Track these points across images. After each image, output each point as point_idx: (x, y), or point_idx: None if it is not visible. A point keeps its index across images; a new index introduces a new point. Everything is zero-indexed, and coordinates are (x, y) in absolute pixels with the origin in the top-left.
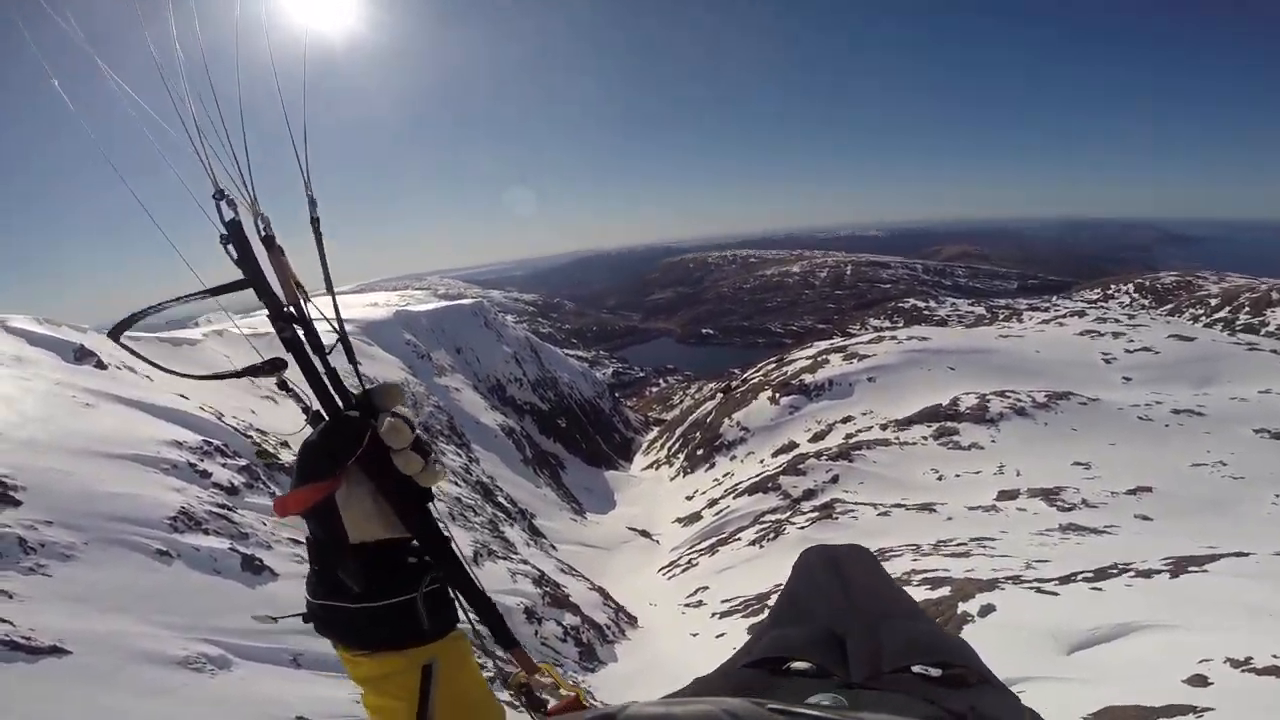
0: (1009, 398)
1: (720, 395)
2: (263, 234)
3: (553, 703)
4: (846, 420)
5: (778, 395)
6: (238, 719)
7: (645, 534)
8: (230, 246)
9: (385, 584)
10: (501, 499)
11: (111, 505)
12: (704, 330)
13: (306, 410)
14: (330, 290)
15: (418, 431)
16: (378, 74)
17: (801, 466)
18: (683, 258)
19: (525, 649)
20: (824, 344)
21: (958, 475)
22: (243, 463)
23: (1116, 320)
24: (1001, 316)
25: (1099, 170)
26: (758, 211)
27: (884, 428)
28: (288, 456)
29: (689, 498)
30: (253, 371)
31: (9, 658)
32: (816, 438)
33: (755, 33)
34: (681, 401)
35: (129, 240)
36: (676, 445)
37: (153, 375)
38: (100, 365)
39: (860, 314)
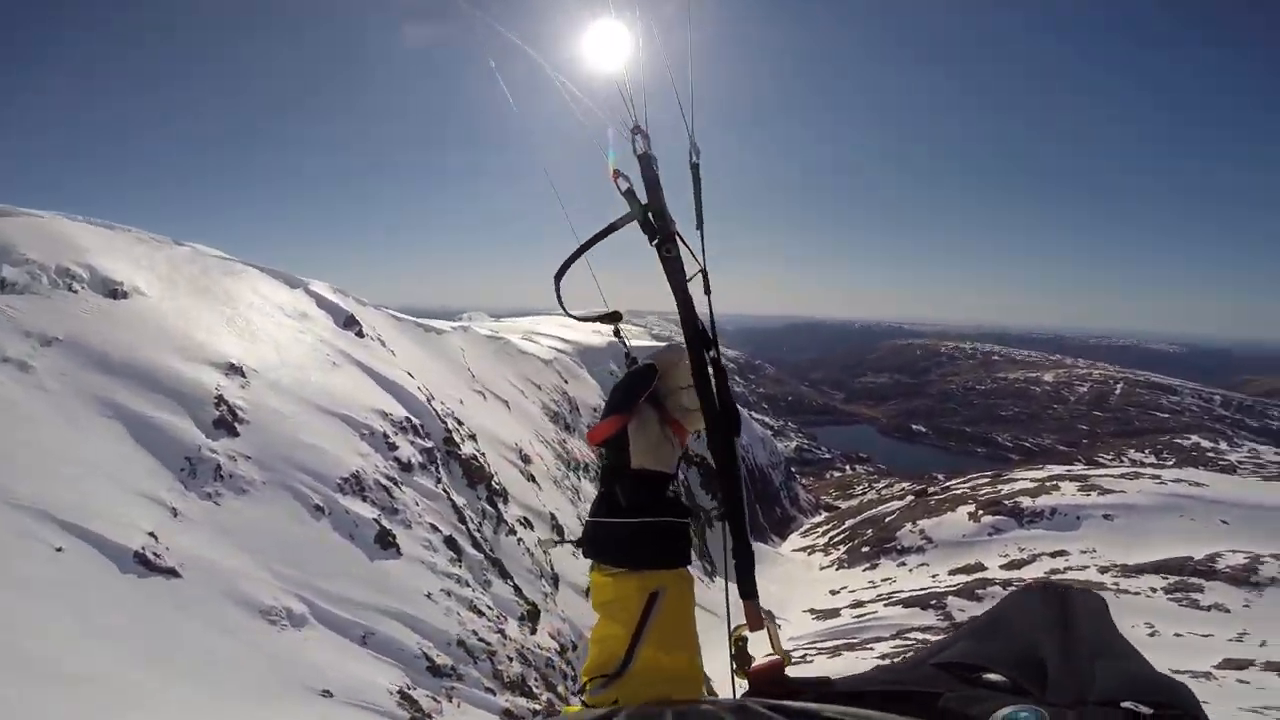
0: None
1: (912, 497)
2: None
3: (758, 661)
4: (1058, 554)
5: (981, 512)
6: (269, 675)
7: (770, 615)
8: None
9: (647, 505)
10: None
11: (303, 455)
12: (914, 426)
13: (628, 356)
14: (700, 226)
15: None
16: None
17: (980, 592)
18: (911, 342)
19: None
20: (1060, 469)
21: (1178, 635)
22: (429, 444)
23: None
24: None
25: None
26: (1018, 301)
27: (1104, 570)
28: (469, 449)
29: (834, 592)
30: (599, 319)
31: (131, 568)
32: (1012, 565)
33: (1050, 82)
34: (864, 494)
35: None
36: (841, 536)
37: (396, 350)
38: (360, 334)
39: (1119, 442)
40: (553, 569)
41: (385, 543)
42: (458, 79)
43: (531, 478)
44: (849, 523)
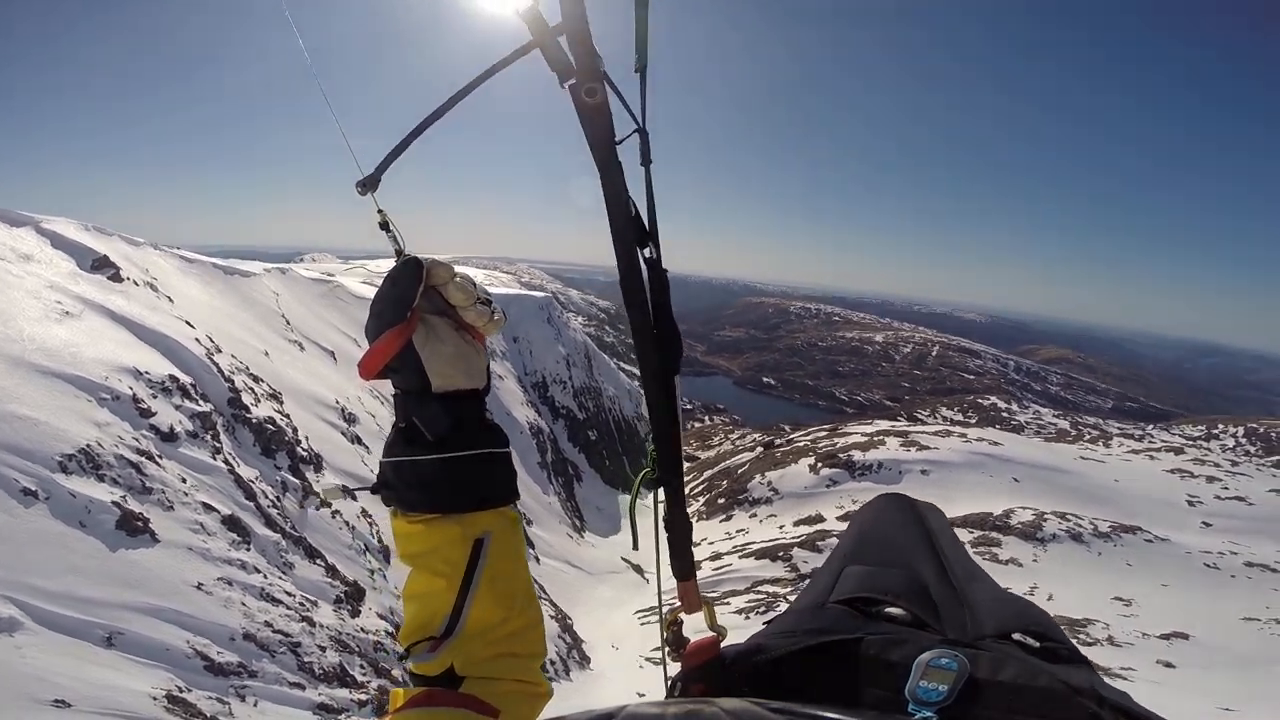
0: (1069, 520)
1: (761, 449)
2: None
3: (695, 639)
4: (859, 510)
5: (820, 465)
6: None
7: (639, 570)
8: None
9: (459, 435)
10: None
11: (7, 428)
12: (765, 379)
13: (399, 254)
14: (642, 70)
15: (480, 295)
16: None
17: (820, 544)
18: (763, 299)
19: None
20: (886, 424)
21: None
22: (204, 408)
23: (1216, 464)
24: (1087, 436)
25: (1250, 286)
26: (855, 269)
27: None
28: (265, 410)
29: (694, 544)
30: (388, 231)
31: None
32: (847, 516)
33: (884, 70)
34: (720, 444)
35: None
36: (701, 488)
37: (176, 296)
38: (116, 277)
39: (934, 400)
40: (381, 540)
41: (132, 529)
42: None
43: (357, 439)
44: (707, 474)
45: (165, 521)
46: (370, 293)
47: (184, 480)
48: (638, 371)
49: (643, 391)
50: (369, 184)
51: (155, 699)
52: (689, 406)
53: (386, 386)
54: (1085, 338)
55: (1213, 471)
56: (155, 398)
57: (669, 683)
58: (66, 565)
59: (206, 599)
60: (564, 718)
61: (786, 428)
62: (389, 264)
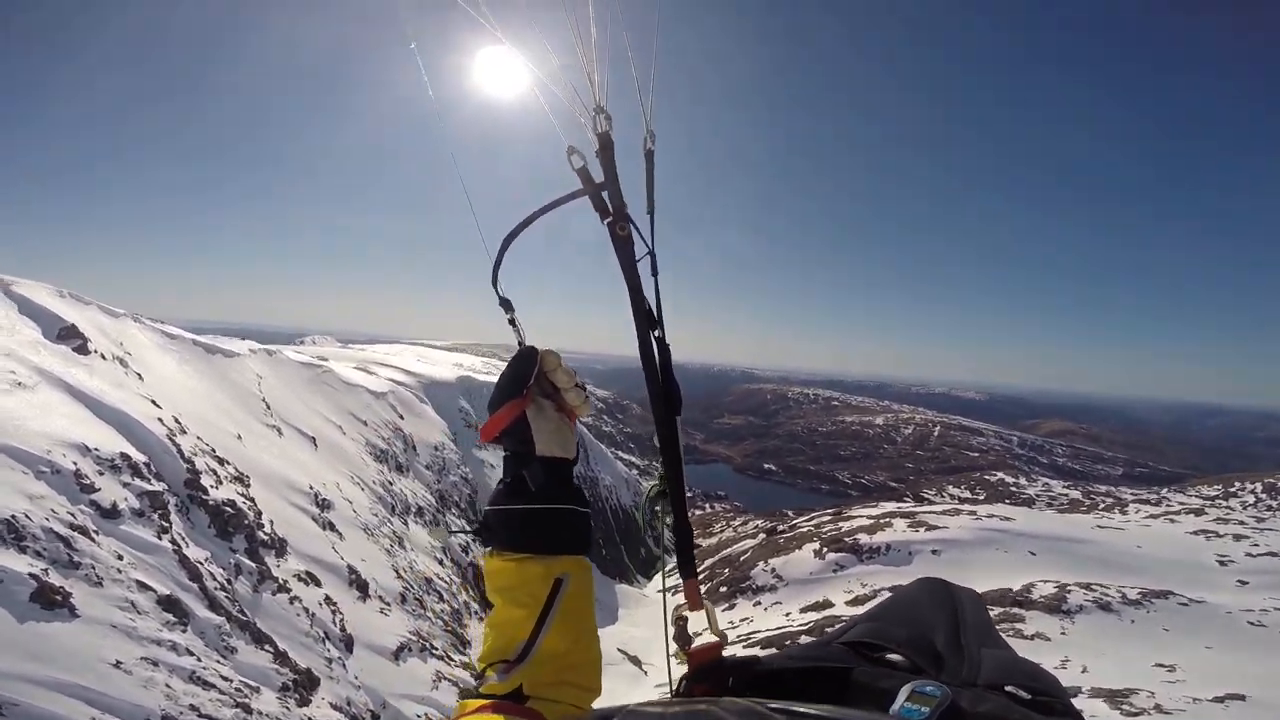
0: (1094, 590)
1: (763, 536)
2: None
3: (698, 642)
4: (896, 588)
5: (825, 549)
6: None
7: (636, 661)
8: (596, 154)
9: (556, 492)
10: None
11: None
12: (766, 465)
13: (520, 344)
14: (651, 211)
15: (577, 380)
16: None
17: (830, 630)
18: (761, 386)
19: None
20: (892, 505)
21: None
22: (156, 488)
23: (1241, 522)
24: (1101, 505)
25: (1244, 349)
26: (851, 352)
27: None
28: (225, 493)
29: (697, 634)
30: (503, 302)
31: None
32: (856, 601)
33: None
34: (721, 531)
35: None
36: (701, 576)
37: (147, 373)
38: (82, 349)
39: (939, 479)
40: (343, 629)
41: (49, 602)
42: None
43: (330, 525)
44: (708, 562)
45: (90, 597)
46: (360, 379)
47: (120, 557)
48: (634, 459)
49: (642, 467)
50: (506, 306)
51: None
52: (690, 494)
53: (368, 474)
54: (1086, 408)
55: (1238, 529)
56: (101, 474)
57: (674, 683)
58: None
59: (124, 678)
60: (564, 718)
61: (789, 513)
62: (403, 350)
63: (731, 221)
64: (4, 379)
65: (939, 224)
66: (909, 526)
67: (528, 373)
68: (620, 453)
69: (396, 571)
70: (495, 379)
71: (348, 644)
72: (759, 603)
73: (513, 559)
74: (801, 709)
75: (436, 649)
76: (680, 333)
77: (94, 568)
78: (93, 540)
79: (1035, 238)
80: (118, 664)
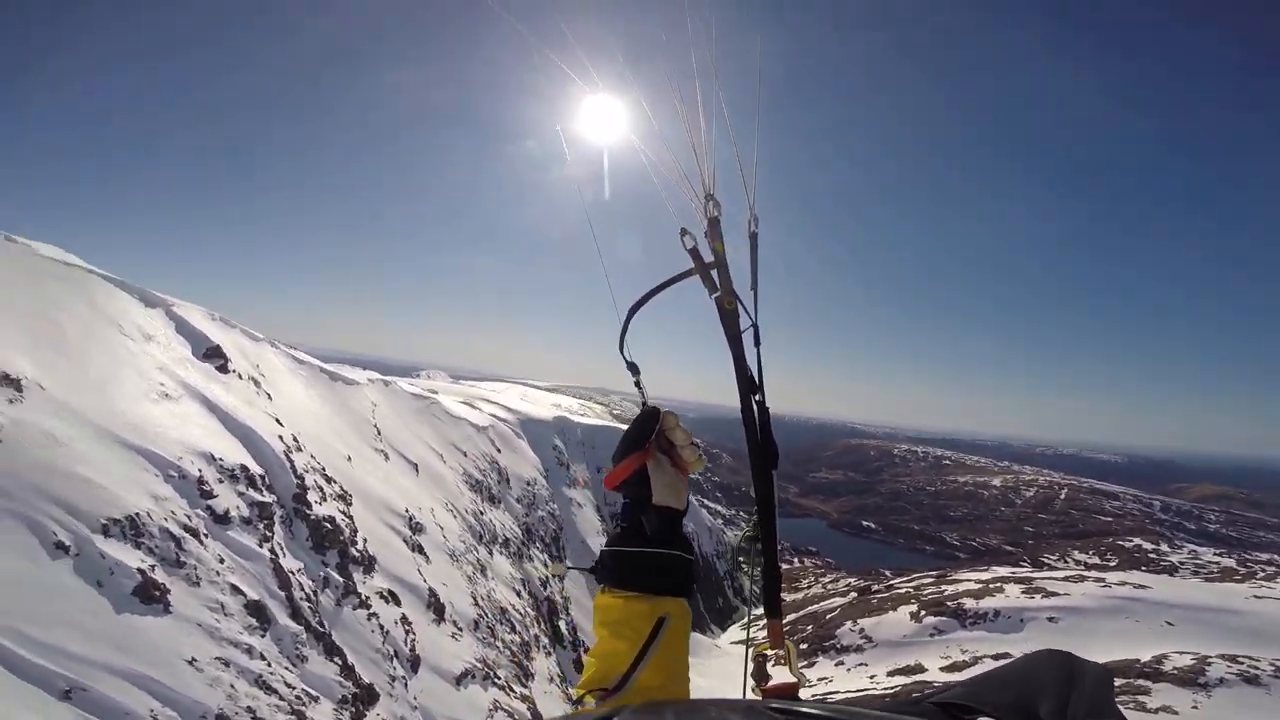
0: (1241, 663)
1: (855, 595)
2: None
3: (774, 680)
4: (1001, 656)
5: (924, 612)
6: None
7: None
8: (703, 239)
9: (668, 538)
10: (562, 623)
11: (64, 486)
12: (865, 522)
13: (643, 404)
14: (755, 288)
15: (692, 438)
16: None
17: (918, 695)
18: (864, 442)
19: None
20: (1005, 570)
21: None
22: (267, 499)
23: None
24: (1261, 574)
25: None
26: (967, 410)
27: None
28: (328, 510)
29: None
30: (630, 365)
31: None
32: (953, 668)
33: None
34: (809, 587)
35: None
36: (783, 630)
37: (276, 393)
38: (223, 368)
39: (1064, 544)
40: (413, 649)
41: (148, 596)
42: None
43: (419, 548)
44: (791, 617)
45: (185, 596)
46: (464, 413)
47: (221, 561)
48: (719, 508)
49: (735, 527)
50: (633, 369)
51: None
52: (779, 547)
53: (462, 502)
54: (1248, 472)
55: None
56: (221, 482)
57: None
58: (64, 618)
59: (194, 675)
60: (565, 717)
61: (887, 573)
62: (507, 389)
63: (842, 273)
64: (154, 390)
65: (1071, 267)
66: (1023, 592)
67: (650, 430)
68: (706, 501)
69: (474, 598)
70: (590, 420)
71: (414, 664)
72: (842, 663)
73: (622, 596)
74: (804, 709)
75: (499, 678)
76: (778, 385)
77: (196, 568)
78: (201, 543)
79: (1187, 281)
80: (192, 661)
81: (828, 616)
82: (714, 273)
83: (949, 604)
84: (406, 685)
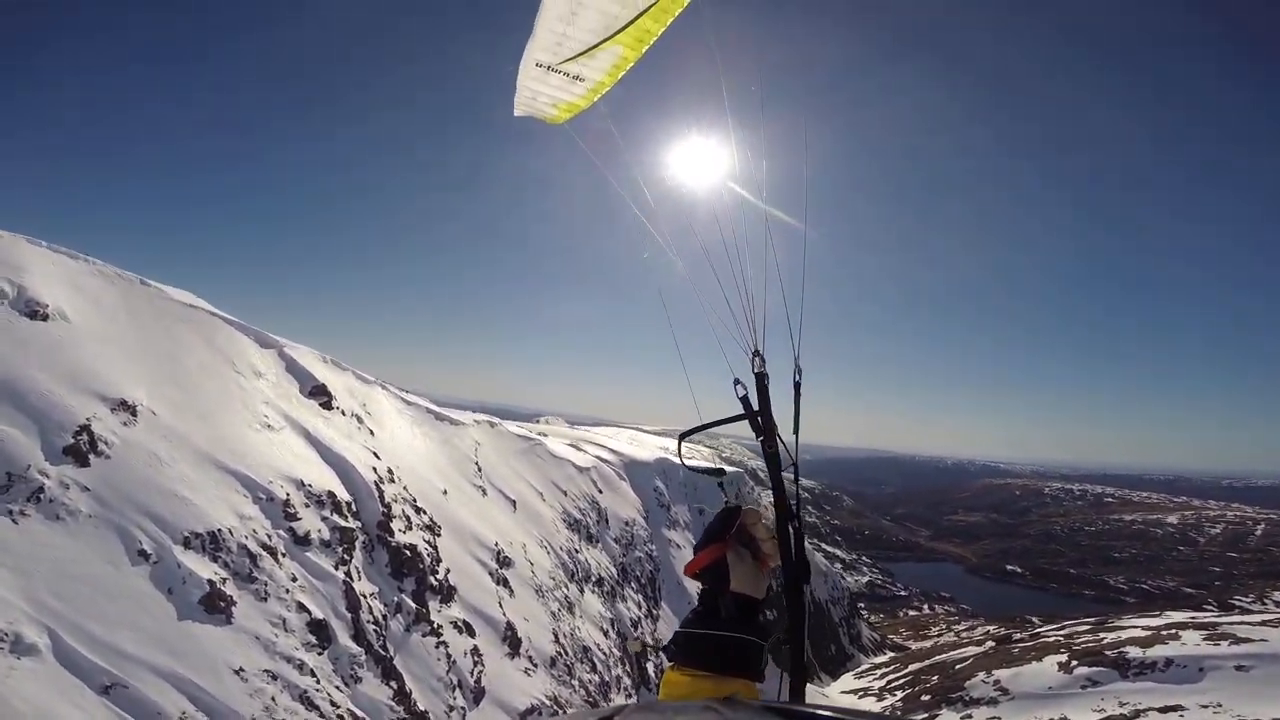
0: None
1: (992, 644)
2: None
3: None
4: (1170, 710)
5: (1074, 662)
6: None
7: None
8: (749, 389)
9: (743, 623)
10: (650, 665)
11: (159, 501)
12: (1009, 567)
13: (727, 504)
14: (796, 432)
15: (772, 534)
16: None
17: None
18: (1008, 481)
19: None
20: (1182, 615)
21: None
22: (350, 525)
23: None
24: None
25: None
26: (1130, 442)
27: None
28: (411, 539)
29: None
30: (707, 472)
31: None
32: None
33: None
34: (939, 635)
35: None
36: (902, 680)
37: (379, 429)
38: (327, 405)
39: (1261, 584)
40: (479, 681)
41: (213, 606)
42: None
43: (504, 581)
44: (913, 666)
45: (250, 609)
46: (568, 454)
47: (294, 579)
48: (839, 552)
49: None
50: (717, 473)
51: None
52: (903, 593)
53: (557, 540)
54: None
55: None
56: (307, 506)
57: None
58: (126, 619)
59: (237, 684)
60: (565, 717)
61: (1035, 620)
62: (619, 433)
63: (981, 303)
64: (258, 421)
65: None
66: (1206, 638)
67: (729, 525)
68: (824, 544)
69: (555, 635)
70: (693, 463)
71: (477, 697)
72: (969, 716)
73: (690, 674)
74: (801, 709)
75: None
76: (904, 423)
77: (266, 584)
78: (277, 561)
79: None
80: (239, 671)
81: (957, 666)
82: (760, 419)
83: (1108, 653)
84: (464, 716)
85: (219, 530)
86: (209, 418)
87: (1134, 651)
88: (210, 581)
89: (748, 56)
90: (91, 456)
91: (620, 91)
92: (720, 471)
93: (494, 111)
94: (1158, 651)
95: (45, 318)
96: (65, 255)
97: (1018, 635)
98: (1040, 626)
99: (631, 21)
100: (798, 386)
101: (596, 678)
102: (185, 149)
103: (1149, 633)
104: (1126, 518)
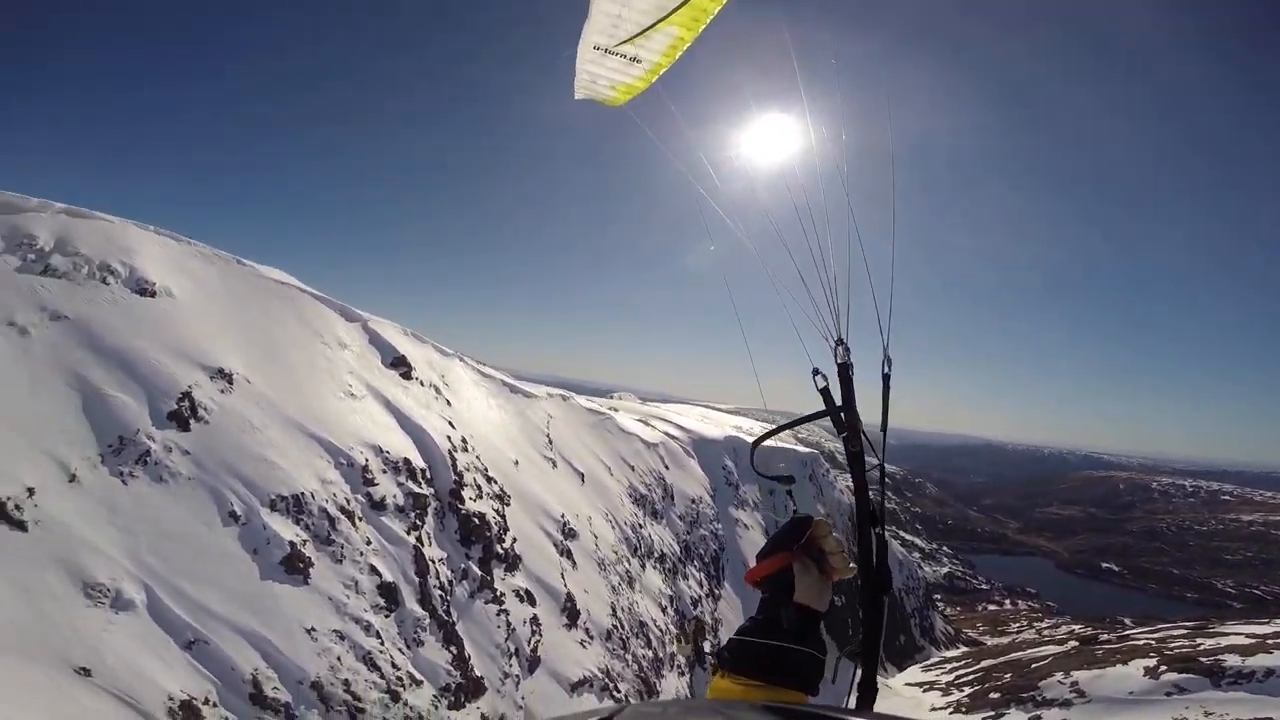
0: None
1: (1075, 644)
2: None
3: None
4: None
5: (1163, 667)
6: (32, 636)
7: None
8: (833, 381)
9: (803, 636)
10: (708, 644)
11: (249, 465)
12: (1105, 564)
13: (796, 512)
14: (884, 429)
15: (843, 547)
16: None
17: None
18: (1111, 474)
19: None
20: None
21: None
22: (424, 491)
23: None
24: None
25: None
26: (1252, 437)
27: None
28: (481, 507)
29: None
30: (778, 479)
31: None
32: None
33: None
34: (1019, 632)
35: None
36: (972, 676)
37: (456, 400)
38: (406, 375)
39: None
40: (535, 650)
41: (293, 567)
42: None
43: (568, 553)
44: (986, 662)
45: (326, 570)
46: (637, 429)
47: (368, 543)
48: (918, 541)
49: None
50: (786, 480)
51: (170, 699)
52: (984, 586)
53: (622, 514)
54: None
55: None
56: (384, 472)
57: None
58: (214, 578)
59: (307, 642)
60: (565, 716)
61: (1126, 621)
62: (688, 410)
63: (1092, 280)
64: (342, 389)
65: None
66: None
67: (799, 535)
68: (903, 533)
69: (613, 609)
70: (767, 442)
71: (532, 665)
72: (1039, 717)
73: (742, 683)
74: (799, 708)
75: (618, 691)
76: (998, 406)
77: (343, 547)
78: (354, 525)
79: None
80: (310, 630)
81: (1033, 665)
82: (843, 414)
83: (1203, 659)
84: (518, 684)
85: (302, 494)
86: (297, 386)
87: (1232, 660)
88: (291, 543)
89: (822, 27)
90: (192, 422)
91: (681, 70)
92: (791, 479)
93: (567, 89)
94: (1260, 661)
95: (153, 295)
96: (169, 238)
97: (1104, 636)
98: (1131, 628)
99: (686, 1)
100: (886, 379)
101: (650, 653)
102: (293, 142)
103: (1253, 640)
104: (1244, 517)
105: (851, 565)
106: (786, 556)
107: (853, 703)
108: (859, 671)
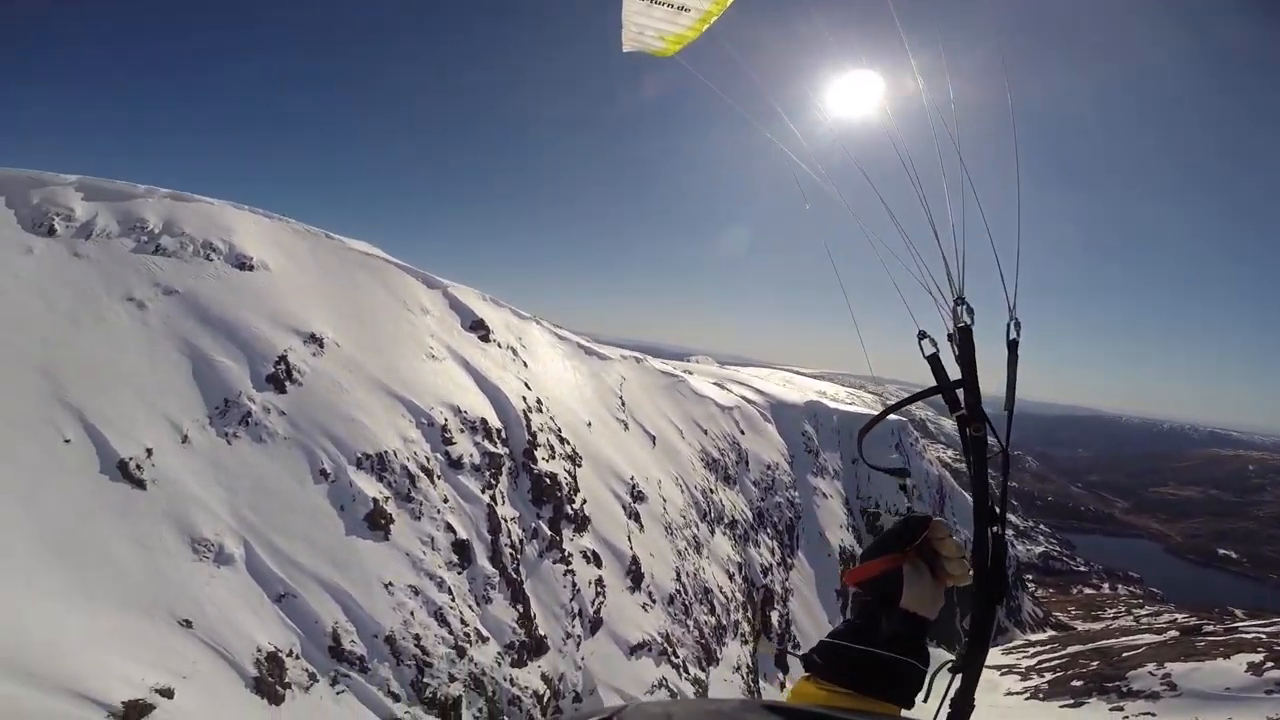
0: None
1: (1175, 633)
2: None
3: None
4: None
5: (1269, 663)
6: (145, 590)
7: None
8: (956, 346)
9: (906, 644)
10: (775, 614)
11: (338, 424)
12: (1223, 551)
13: (909, 510)
14: (1010, 408)
15: (963, 553)
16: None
17: None
18: (1240, 453)
19: None
20: None
21: None
22: (499, 451)
23: None
24: None
25: None
26: None
27: None
28: (553, 467)
29: None
30: (890, 472)
31: (110, 470)
32: None
33: None
34: (1115, 618)
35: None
36: (1056, 662)
37: (533, 362)
38: (485, 338)
39: None
40: (598, 612)
41: (375, 524)
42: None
43: (635, 515)
44: (1073, 648)
45: (405, 527)
46: (711, 392)
47: (445, 500)
48: (1012, 517)
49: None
50: (901, 473)
51: (259, 650)
52: (1081, 568)
53: (693, 479)
54: None
55: None
56: (462, 432)
57: None
58: (304, 533)
59: (384, 597)
60: (568, 715)
61: (1238, 613)
62: (770, 374)
63: (1223, 240)
64: (425, 351)
65: None
66: None
67: (914, 536)
68: (995, 506)
69: (678, 573)
70: (850, 408)
71: (594, 626)
72: (1121, 708)
73: (828, 689)
74: (800, 707)
75: (676, 657)
76: (1106, 376)
77: (422, 504)
78: (432, 482)
79: None
80: (388, 585)
81: (1124, 654)
82: (959, 392)
83: None
84: (579, 645)
85: (386, 452)
86: (382, 349)
87: None
88: (375, 500)
89: None
90: (287, 384)
91: (740, 14)
92: (904, 472)
93: (617, 43)
94: None
95: (251, 268)
96: (264, 216)
97: (1210, 627)
98: (1241, 620)
99: None
100: (1013, 346)
101: (714, 620)
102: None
103: None
104: None
105: (969, 571)
106: (897, 558)
107: (943, 717)
108: (954, 683)
